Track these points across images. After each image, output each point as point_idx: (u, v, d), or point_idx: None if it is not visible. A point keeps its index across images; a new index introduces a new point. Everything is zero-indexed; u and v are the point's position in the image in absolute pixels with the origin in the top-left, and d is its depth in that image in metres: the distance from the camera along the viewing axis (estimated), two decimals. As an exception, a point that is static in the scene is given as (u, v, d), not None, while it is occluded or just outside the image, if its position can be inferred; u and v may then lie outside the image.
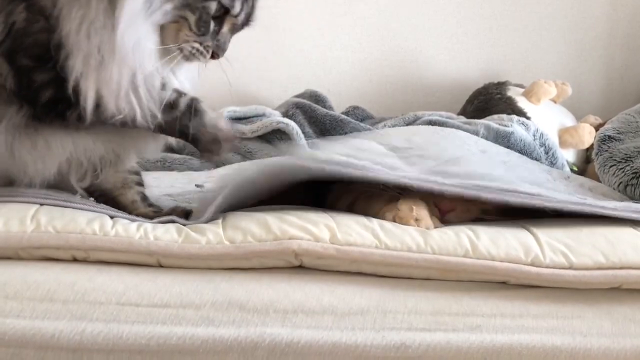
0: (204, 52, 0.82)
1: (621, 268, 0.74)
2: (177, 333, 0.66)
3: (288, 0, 1.99)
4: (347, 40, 2.11)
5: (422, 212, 0.79)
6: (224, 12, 0.82)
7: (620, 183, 1.03)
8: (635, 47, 2.21)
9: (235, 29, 0.86)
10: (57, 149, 0.82)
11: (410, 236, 0.75)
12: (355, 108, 2.01)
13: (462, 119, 1.84)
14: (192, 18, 0.80)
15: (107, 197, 0.91)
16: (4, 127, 0.80)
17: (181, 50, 0.81)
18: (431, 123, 1.77)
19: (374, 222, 0.78)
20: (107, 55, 0.76)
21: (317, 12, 2.00)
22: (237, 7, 0.82)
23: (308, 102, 1.88)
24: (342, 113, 1.92)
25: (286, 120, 1.70)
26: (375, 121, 1.94)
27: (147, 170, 1.19)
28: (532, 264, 0.74)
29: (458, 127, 1.72)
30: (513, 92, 1.92)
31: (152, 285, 0.69)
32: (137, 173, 0.94)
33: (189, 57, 0.82)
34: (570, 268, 0.74)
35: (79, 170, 0.86)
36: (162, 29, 0.81)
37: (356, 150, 0.96)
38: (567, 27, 2.21)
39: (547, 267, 0.74)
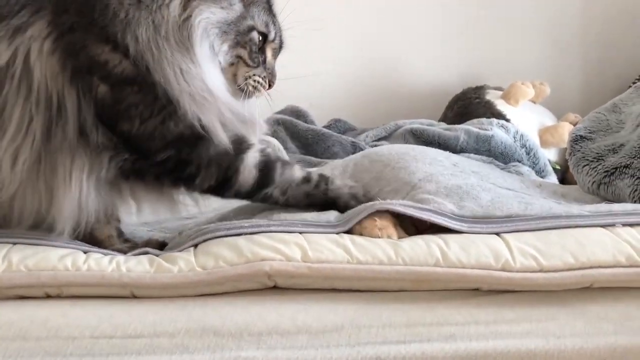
0: (264, 82, 0.90)
1: (591, 267, 0.75)
2: (152, 362, 0.67)
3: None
4: (327, 53, 2.13)
5: (385, 221, 0.80)
6: (263, 41, 0.89)
7: (594, 182, 1.03)
8: (611, 43, 2.23)
9: (275, 54, 0.93)
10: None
11: (381, 249, 0.76)
12: (337, 121, 2.02)
13: (443, 125, 1.85)
14: (245, 53, 0.87)
15: (83, 231, 0.91)
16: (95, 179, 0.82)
17: (247, 86, 0.88)
18: (412, 131, 1.78)
19: (345, 238, 0.78)
20: (208, 95, 0.83)
21: (295, 27, 2.03)
22: (272, 32, 0.90)
23: (289, 118, 1.89)
24: (324, 126, 1.93)
25: (267, 137, 1.71)
26: (357, 132, 1.95)
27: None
28: (502, 269, 0.75)
29: (439, 134, 1.74)
30: (492, 96, 1.94)
31: (126, 316, 0.70)
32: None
33: (254, 91, 0.89)
34: (540, 271, 0.75)
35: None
36: (224, 73, 0.87)
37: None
38: (542, 28, 2.23)
39: (517, 271, 0.75)
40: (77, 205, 0.81)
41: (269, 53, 0.91)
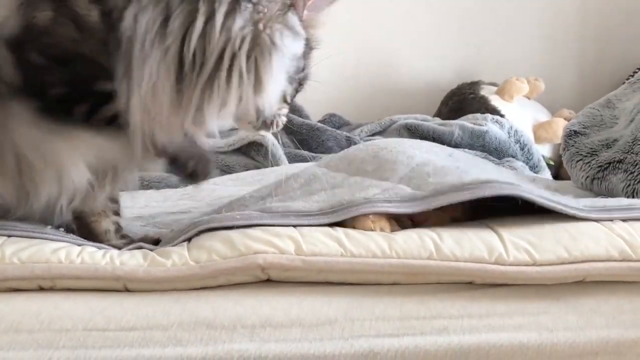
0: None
1: (584, 261, 0.75)
2: (145, 355, 0.67)
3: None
4: (322, 48, 2.13)
5: (377, 215, 0.80)
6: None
7: (587, 177, 1.04)
8: (606, 40, 2.23)
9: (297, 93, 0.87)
10: (68, 155, 0.79)
11: (375, 242, 0.76)
12: (332, 115, 2.02)
13: (438, 120, 1.86)
14: (289, 91, 0.82)
15: (81, 222, 0.91)
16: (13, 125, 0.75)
17: (275, 120, 0.83)
18: (407, 126, 1.79)
19: (339, 231, 0.78)
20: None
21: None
22: (307, 78, 0.84)
23: (284, 113, 1.89)
24: (319, 121, 1.93)
25: (262, 131, 1.71)
26: (352, 127, 1.95)
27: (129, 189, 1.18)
28: (496, 263, 0.75)
29: (434, 130, 1.74)
30: (486, 91, 1.95)
31: (119, 309, 0.70)
32: (117, 201, 0.92)
33: (278, 126, 0.85)
34: (534, 265, 0.75)
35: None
36: None
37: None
38: (537, 23, 2.24)
39: (511, 264, 0.75)
40: None
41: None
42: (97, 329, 0.68)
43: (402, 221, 0.86)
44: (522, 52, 2.21)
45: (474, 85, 1.99)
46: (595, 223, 0.80)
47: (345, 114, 2.02)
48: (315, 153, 1.71)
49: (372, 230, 0.79)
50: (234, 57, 0.73)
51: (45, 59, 0.75)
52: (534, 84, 1.99)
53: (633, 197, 0.95)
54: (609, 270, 0.75)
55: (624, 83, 1.27)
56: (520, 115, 1.88)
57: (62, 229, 0.89)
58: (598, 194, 1.01)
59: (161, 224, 0.99)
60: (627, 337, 0.73)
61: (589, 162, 1.05)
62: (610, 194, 0.99)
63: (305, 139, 1.80)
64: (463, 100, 1.94)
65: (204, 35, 0.72)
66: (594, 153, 1.05)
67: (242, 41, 0.73)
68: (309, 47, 0.81)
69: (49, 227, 0.86)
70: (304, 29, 0.79)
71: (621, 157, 1.00)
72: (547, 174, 1.67)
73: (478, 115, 1.79)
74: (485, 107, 1.87)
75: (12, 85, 0.75)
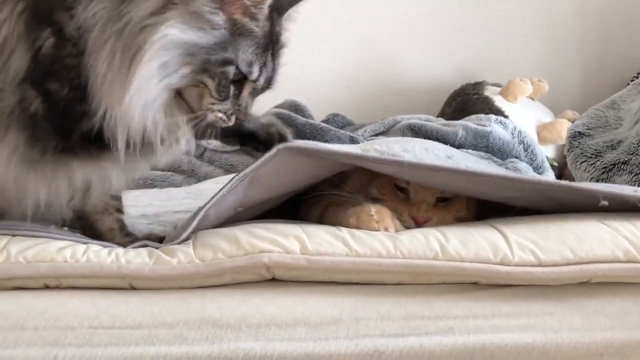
0: (227, 119, 0.81)
1: (589, 262, 0.75)
2: (151, 353, 0.67)
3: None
4: (325, 48, 2.13)
5: (382, 213, 0.80)
6: (242, 77, 0.80)
7: (592, 178, 1.04)
8: (609, 40, 2.23)
9: (255, 93, 0.84)
10: (64, 177, 0.82)
11: (380, 242, 0.76)
12: (336, 115, 2.02)
13: (441, 120, 1.85)
14: (211, 84, 0.78)
15: (85, 222, 0.91)
16: (16, 161, 0.78)
17: (205, 117, 0.80)
18: (410, 126, 1.79)
19: (344, 231, 0.78)
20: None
21: (294, 22, 2.02)
22: (255, 73, 0.80)
23: (287, 112, 1.89)
24: (322, 121, 1.93)
25: (265, 131, 1.71)
26: (355, 127, 1.95)
27: (129, 188, 1.18)
28: (501, 263, 0.75)
29: (437, 130, 1.74)
30: (490, 92, 1.94)
31: (125, 307, 0.70)
32: (119, 198, 0.93)
33: (213, 124, 0.81)
34: (539, 265, 0.75)
35: (70, 191, 0.85)
36: (184, 93, 0.79)
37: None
38: (541, 24, 2.24)
39: (516, 265, 0.75)
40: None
41: (246, 91, 0.82)
42: (102, 326, 0.68)
43: (406, 221, 0.86)
44: (525, 53, 2.21)
45: (478, 86, 1.98)
46: (600, 224, 0.80)
47: (348, 114, 2.02)
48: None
49: (376, 230, 0.79)
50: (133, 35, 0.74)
51: (60, 84, 0.77)
52: (538, 84, 1.98)
53: (638, 198, 0.95)
54: (614, 271, 0.75)
55: (628, 84, 1.27)
56: (523, 116, 1.87)
57: (66, 228, 0.89)
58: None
59: (166, 222, 0.99)
60: (632, 339, 0.73)
61: (593, 164, 1.05)
62: (614, 195, 0.99)
63: (309, 138, 1.79)
64: (467, 100, 1.94)
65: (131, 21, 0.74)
66: (598, 154, 1.05)
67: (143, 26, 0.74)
68: (246, 38, 0.78)
69: (53, 226, 0.86)
70: (231, 15, 0.76)
71: (626, 159, 1.00)
72: (550, 175, 1.66)
73: (482, 115, 1.79)
74: (489, 108, 1.87)
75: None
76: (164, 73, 0.75)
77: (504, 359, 0.71)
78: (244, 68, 0.79)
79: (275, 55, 0.83)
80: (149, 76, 0.75)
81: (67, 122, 0.79)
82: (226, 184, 0.80)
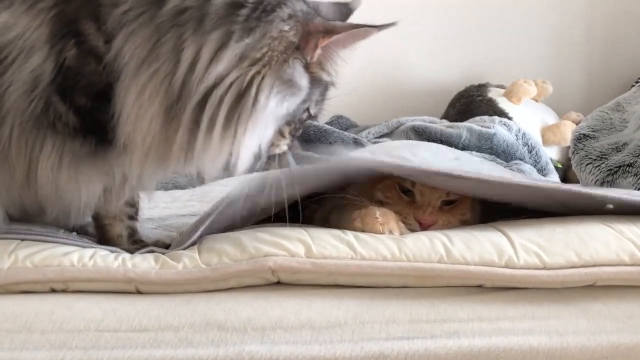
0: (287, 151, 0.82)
1: (594, 266, 0.75)
2: (157, 356, 0.67)
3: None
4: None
5: (387, 216, 0.81)
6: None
7: (597, 181, 1.04)
8: (614, 43, 2.23)
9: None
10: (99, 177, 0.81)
11: (385, 245, 0.76)
12: (339, 117, 2.02)
13: (445, 122, 1.86)
14: (287, 130, 0.79)
15: (97, 224, 0.90)
16: (68, 161, 0.78)
17: (269, 150, 0.80)
18: (414, 128, 1.79)
19: (349, 234, 0.78)
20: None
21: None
22: (315, 110, 0.81)
23: (292, 115, 1.89)
24: (326, 123, 1.93)
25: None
26: (359, 129, 1.95)
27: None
28: (506, 266, 0.75)
29: (441, 132, 1.74)
30: (494, 94, 1.94)
31: (131, 310, 0.70)
32: (134, 205, 0.91)
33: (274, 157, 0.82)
34: (544, 268, 0.75)
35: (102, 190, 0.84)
36: None
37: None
38: (546, 26, 2.24)
39: (521, 268, 0.75)
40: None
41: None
42: (109, 329, 0.68)
43: (411, 224, 0.86)
44: (529, 55, 2.21)
45: (482, 88, 1.98)
46: (605, 227, 0.80)
47: (352, 116, 2.02)
48: (323, 155, 1.71)
49: (381, 233, 0.79)
50: (218, 103, 0.71)
51: (88, 99, 0.75)
52: (542, 86, 1.98)
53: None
54: (619, 274, 0.75)
55: (632, 86, 1.27)
56: (528, 118, 1.87)
57: (74, 233, 0.90)
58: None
59: (172, 226, 0.99)
60: (637, 342, 0.72)
61: (598, 166, 1.05)
62: (619, 197, 0.99)
63: (313, 140, 1.80)
64: (471, 102, 1.94)
65: (191, 69, 0.70)
66: (603, 156, 1.05)
67: (227, 91, 0.70)
68: (318, 86, 0.78)
69: (62, 231, 0.87)
70: (311, 72, 0.76)
71: (631, 161, 1.00)
72: (555, 177, 1.66)
73: (486, 117, 1.79)
74: (493, 110, 1.87)
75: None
76: (260, 143, 0.75)
77: (509, 362, 0.71)
78: (313, 110, 0.80)
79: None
80: (247, 146, 0.73)
81: (96, 128, 0.77)
82: (235, 189, 0.80)
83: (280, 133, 0.79)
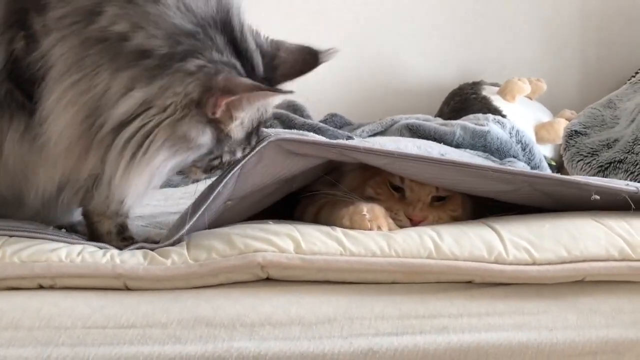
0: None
1: (583, 261, 0.75)
2: (144, 352, 0.67)
3: (262, 10, 2.01)
4: (323, 48, 2.13)
5: (375, 212, 0.80)
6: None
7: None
8: (607, 40, 2.23)
9: None
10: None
11: (374, 241, 0.76)
12: (334, 115, 2.02)
13: (439, 120, 1.85)
14: (199, 170, 0.81)
15: (87, 221, 0.90)
16: (29, 137, 0.78)
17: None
18: (408, 126, 1.79)
19: (338, 231, 0.78)
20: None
21: (291, 20, 2.02)
22: (239, 154, 0.81)
23: (286, 112, 1.89)
24: (321, 121, 1.93)
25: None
26: (353, 127, 1.95)
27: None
28: (495, 262, 0.75)
29: (435, 130, 1.74)
30: (488, 91, 1.95)
31: (119, 306, 0.70)
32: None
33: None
34: (533, 264, 0.75)
35: (75, 185, 0.84)
36: None
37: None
38: (539, 24, 2.24)
39: (510, 264, 0.75)
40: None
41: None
42: (96, 326, 0.68)
43: (402, 220, 0.86)
44: (524, 53, 2.21)
45: (476, 86, 1.98)
46: (595, 222, 0.80)
47: (346, 114, 2.02)
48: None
49: (369, 229, 0.79)
50: (124, 144, 0.72)
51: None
52: (536, 84, 1.98)
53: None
54: (608, 269, 0.75)
55: (625, 83, 1.27)
56: (521, 116, 1.87)
57: (64, 230, 0.89)
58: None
59: (162, 224, 0.99)
60: (626, 337, 0.73)
61: (589, 162, 1.05)
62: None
63: (307, 138, 1.79)
64: (465, 100, 1.94)
65: (104, 94, 0.72)
66: (594, 153, 1.06)
67: (134, 133, 0.72)
68: (228, 139, 0.77)
69: (51, 227, 0.86)
70: (218, 127, 0.75)
71: (622, 157, 1.00)
72: (548, 175, 1.66)
73: (480, 115, 1.79)
74: (487, 108, 1.87)
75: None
76: (146, 188, 0.76)
77: (498, 357, 0.71)
78: (226, 158, 0.79)
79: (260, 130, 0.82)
80: (136, 186, 0.75)
81: None
82: (217, 179, 0.80)
83: (190, 171, 0.81)
